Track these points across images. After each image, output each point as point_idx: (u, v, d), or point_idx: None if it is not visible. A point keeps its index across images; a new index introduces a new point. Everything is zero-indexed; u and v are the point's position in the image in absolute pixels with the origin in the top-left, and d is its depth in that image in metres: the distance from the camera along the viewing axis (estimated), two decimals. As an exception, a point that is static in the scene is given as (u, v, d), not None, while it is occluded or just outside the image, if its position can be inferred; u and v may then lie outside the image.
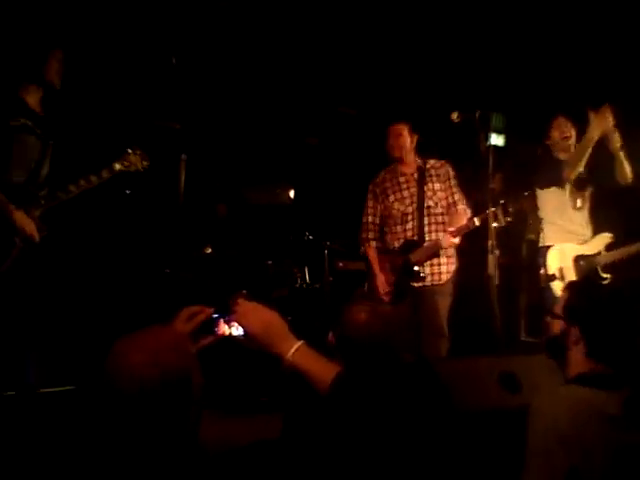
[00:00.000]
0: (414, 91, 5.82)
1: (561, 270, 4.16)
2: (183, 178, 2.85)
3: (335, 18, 4.93)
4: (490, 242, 3.78)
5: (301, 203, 6.81)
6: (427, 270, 4.19)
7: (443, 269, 4.24)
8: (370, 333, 2.03)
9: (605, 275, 4.04)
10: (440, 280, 4.22)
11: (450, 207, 4.31)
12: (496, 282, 3.72)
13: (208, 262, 5.24)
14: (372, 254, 4.37)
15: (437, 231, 4.24)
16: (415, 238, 4.23)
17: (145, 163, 3.64)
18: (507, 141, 6.03)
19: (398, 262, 4.22)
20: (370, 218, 4.41)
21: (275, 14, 4.85)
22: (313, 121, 6.52)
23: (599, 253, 4.10)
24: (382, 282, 4.24)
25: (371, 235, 4.40)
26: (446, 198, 4.30)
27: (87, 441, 2.27)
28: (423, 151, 4.42)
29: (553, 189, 4.22)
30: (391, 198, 4.31)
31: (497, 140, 5.81)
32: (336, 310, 2.23)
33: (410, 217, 4.25)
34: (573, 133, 4.18)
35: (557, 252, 4.19)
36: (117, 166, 3.56)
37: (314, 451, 1.74)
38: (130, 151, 3.61)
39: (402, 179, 4.32)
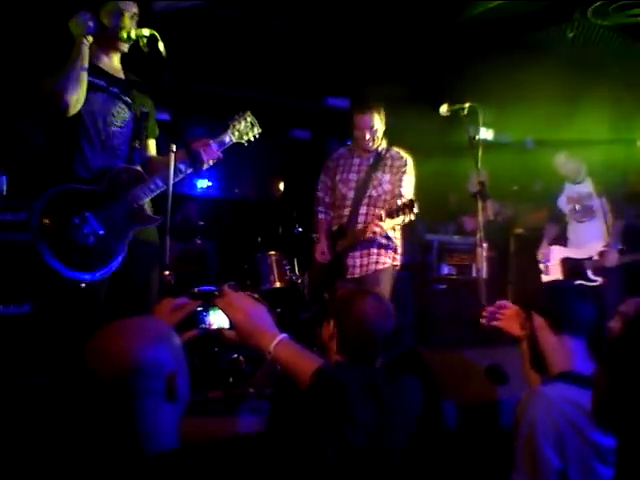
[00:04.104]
0: (403, 83, 5.82)
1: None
2: (172, 169, 2.81)
3: (324, 12, 4.90)
4: (478, 236, 3.79)
5: (290, 195, 6.82)
6: (357, 262, 3.90)
7: (372, 259, 3.89)
8: (377, 324, 2.02)
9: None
10: (367, 271, 3.89)
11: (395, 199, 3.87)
12: (484, 276, 3.73)
13: (198, 253, 5.24)
14: (318, 224, 4.14)
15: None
16: (347, 225, 3.94)
17: (256, 130, 3.24)
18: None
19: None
20: (321, 194, 4.17)
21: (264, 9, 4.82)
22: (302, 114, 6.52)
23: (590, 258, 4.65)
24: (322, 248, 4.01)
25: (321, 209, 4.16)
26: (392, 191, 3.92)
27: (62, 433, 2.26)
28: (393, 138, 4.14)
29: None
30: (337, 178, 4.04)
31: (486, 134, 5.84)
32: (337, 302, 2.20)
33: (349, 202, 3.95)
34: None
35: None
36: (227, 138, 3.16)
37: (295, 444, 1.73)
38: (238, 118, 3.20)
39: (356, 161, 4.03)
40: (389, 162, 3.97)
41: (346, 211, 3.94)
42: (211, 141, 3.08)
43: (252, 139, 3.25)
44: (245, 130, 3.21)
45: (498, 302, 2.39)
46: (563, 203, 4.92)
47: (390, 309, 2.09)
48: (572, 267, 4.71)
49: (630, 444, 1.31)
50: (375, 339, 2.02)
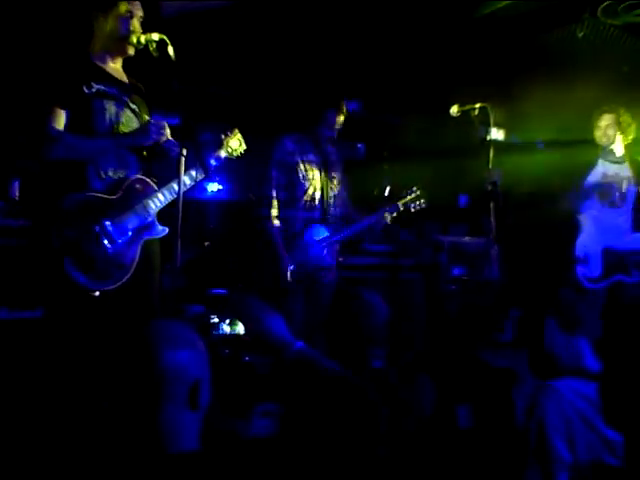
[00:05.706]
0: (414, 84, 5.82)
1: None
2: (183, 172, 2.82)
3: (331, 14, 4.90)
4: (490, 237, 3.78)
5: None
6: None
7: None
8: (362, 319, 2.03)
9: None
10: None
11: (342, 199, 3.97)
12: (496, 276, 3.72)
13: (206, 255, 5.24)
14: (274, 236, 3.71)
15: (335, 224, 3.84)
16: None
17: (243, 147, 3.32)
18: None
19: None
20: (274, 192, 3.77)
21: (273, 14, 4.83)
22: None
23: None
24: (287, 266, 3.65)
25: (274, 212, 3.75)
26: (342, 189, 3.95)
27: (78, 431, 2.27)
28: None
29: None
30: (300, 175, 3.76)
31: (497, 134, 5.82)
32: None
33: (317, 204, 3.79)
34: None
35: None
36: (223, 153, 3.24)
37: (310, 447, 1.73)
38: (230, 134, 3.28)
39: (313, 158, 3.83)
40: (333, 157, 3.91)
41: (316, 213, 3.77)
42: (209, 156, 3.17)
43: (240, 155, 3.33)
44: (235, 147, 3.29)
45: None
46: (597, 179, 4.29)
47: (374, 303, 2.09)
48: (616, 259, 4.09)
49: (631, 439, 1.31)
50: (364, 332, 2.03)
